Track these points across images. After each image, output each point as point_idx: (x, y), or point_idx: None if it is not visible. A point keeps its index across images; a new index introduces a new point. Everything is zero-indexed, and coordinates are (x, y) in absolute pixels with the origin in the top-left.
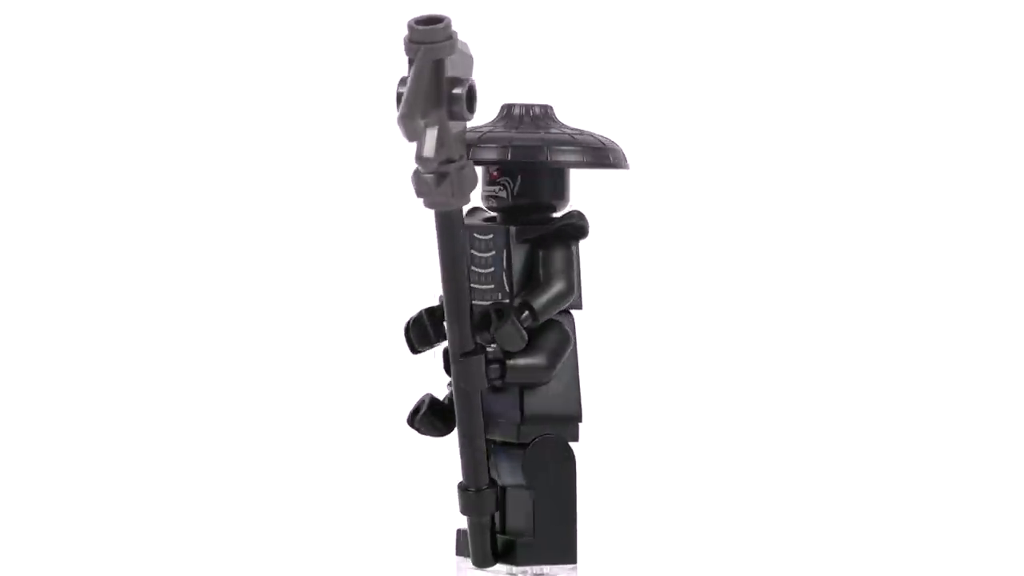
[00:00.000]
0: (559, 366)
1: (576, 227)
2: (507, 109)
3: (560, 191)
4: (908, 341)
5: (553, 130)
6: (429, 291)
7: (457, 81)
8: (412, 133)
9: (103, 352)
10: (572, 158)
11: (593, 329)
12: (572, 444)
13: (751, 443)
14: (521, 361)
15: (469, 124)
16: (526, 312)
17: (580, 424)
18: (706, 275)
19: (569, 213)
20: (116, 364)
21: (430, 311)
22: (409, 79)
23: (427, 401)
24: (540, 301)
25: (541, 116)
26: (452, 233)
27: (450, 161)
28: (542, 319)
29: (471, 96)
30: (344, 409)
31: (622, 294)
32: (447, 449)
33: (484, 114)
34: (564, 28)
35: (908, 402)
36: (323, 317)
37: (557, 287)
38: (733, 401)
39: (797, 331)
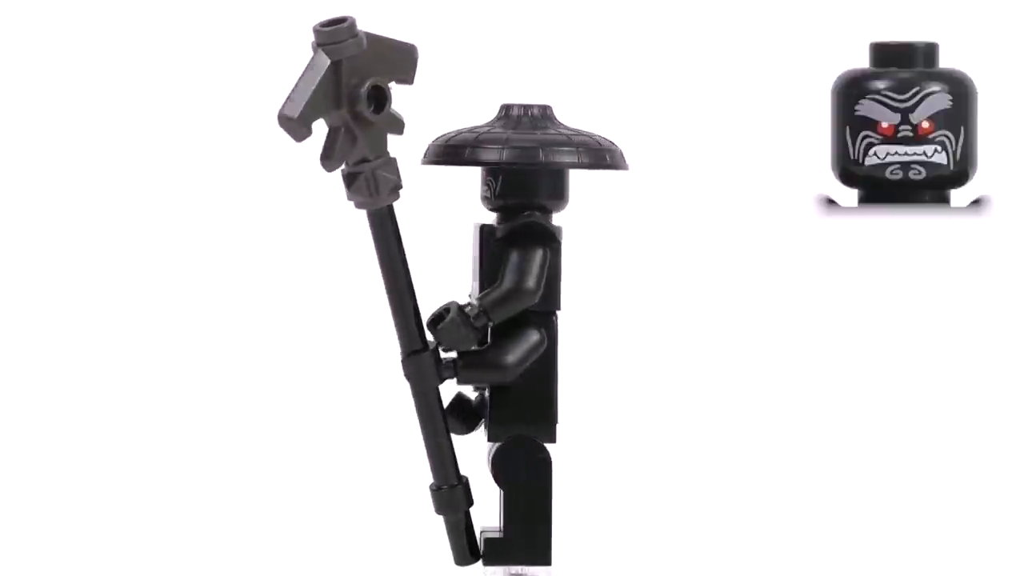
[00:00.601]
0: (523, 366)
1: (535, 226)
2: (506, 110)
3: (556, 192)
4: (900, 344)
5: (551, 131)
6: (445, 289)
7: (361, 81)
8: (295, 133)
9: (94, 353)
10: (569, 159)
11: (588, 330)
12: (553, 445)
13: (737, 446)
14: (474, 360)
15: (469, 124)
16: (480, 311)
17: (558, 425)
18: (701, 276)
19: (529, 214)
20: (110, 366)
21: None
22: (297, 80)
23: (452, 400)
24: (493, 300)
25: (540, 117)
26: (382, 232)
27: (364, 161)
28: (496, 318)
29: (375, 96)
30: (349, 410)
31: (616, 295)
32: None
33: (483, 114)
34: (562, 28)
35: (898, 406)
36: (332, 317)
37: (513, 287)
38: (723, 404)
39: (786, 336)
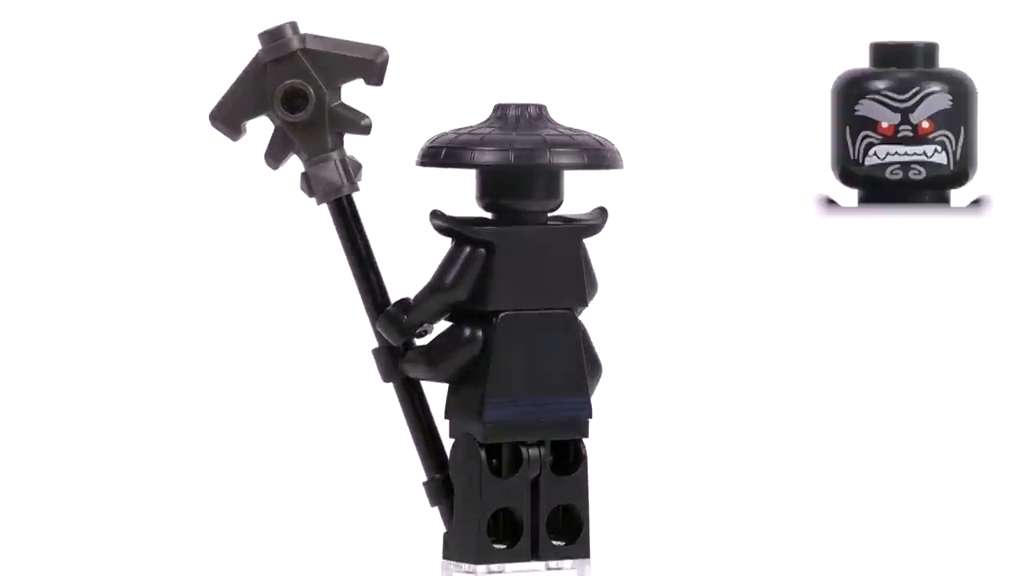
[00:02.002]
0: (448, 364)
1: (438, 226)
2: (502, 109)
3: (550, 191)
4: (900, 344)
5: (550, 131)
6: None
7: (280, 83)
8: (224, 132)
9: (86, 353)
10: (574, 159)
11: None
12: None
13: (737, 445)
14: (411, 356)
15: (462, 124)
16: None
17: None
18: (701, 276)
19: (433, 212)
20: (101, 366)
21: None
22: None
23: None
24: (415, 297)
25: (537, 116)
26: (339, 228)
27: (307, 160)
28: (418, 315)
29: (286, 96)
30: (340, 409)
31: (614, 295)
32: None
33: (477, 114)
34: (560, 27)
35: (898, 406)
36: (331, 315)
37: (427, 283)
38: (723, 404)
39: (787, 336)
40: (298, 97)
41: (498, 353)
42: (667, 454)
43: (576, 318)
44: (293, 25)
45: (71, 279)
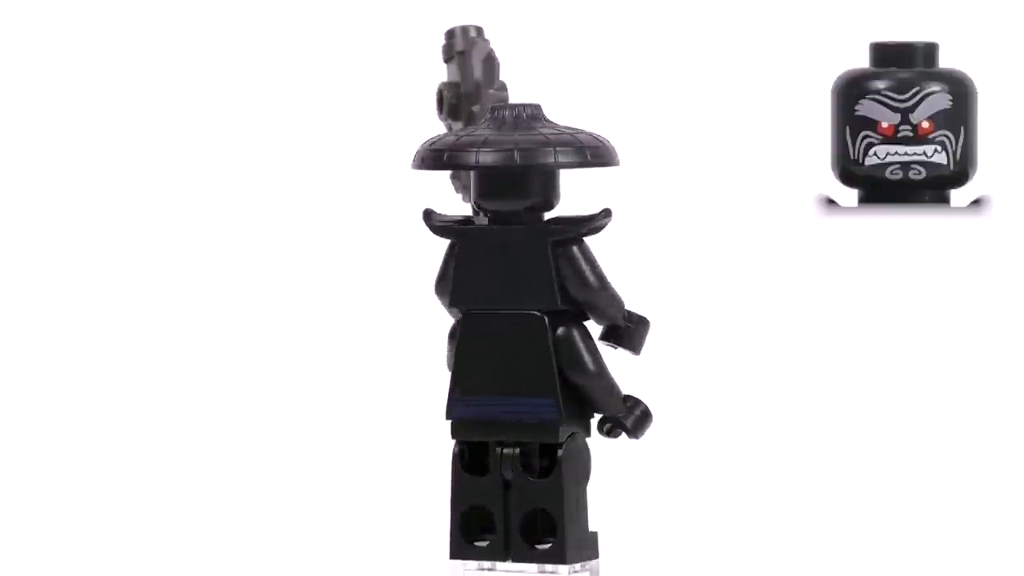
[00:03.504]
0: (449, 361)
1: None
2: (497, 110)
3: (543, 192)
4: (900, 344)
5: (549, 130)
6: None
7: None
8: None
9: (97, 353)
10: (575, 158)
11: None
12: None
13: (736, 447)
14: None
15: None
16: None
17: (449, 422)
18: (700, 276)
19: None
20: (112, 366)
21: None
22: None
23: None
24: None
25: (533, 116)
26: None
27: None
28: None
29: (437, 98)
30: (349, 408)
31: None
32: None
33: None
34: (560, 26)
35: (898, 406)
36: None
37: None
38: (722, 405)
39: (787, 336)
40: (440, 99)
41: (461, 351)
42: (666, 453)
43: (543, 320)
44: (477, 29)
45: (120, 274)
